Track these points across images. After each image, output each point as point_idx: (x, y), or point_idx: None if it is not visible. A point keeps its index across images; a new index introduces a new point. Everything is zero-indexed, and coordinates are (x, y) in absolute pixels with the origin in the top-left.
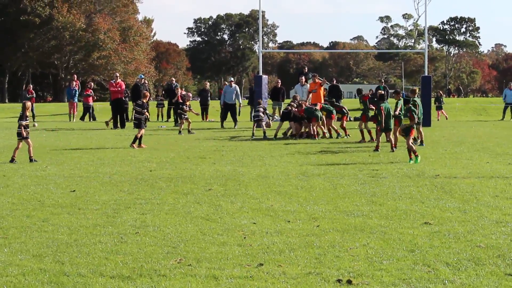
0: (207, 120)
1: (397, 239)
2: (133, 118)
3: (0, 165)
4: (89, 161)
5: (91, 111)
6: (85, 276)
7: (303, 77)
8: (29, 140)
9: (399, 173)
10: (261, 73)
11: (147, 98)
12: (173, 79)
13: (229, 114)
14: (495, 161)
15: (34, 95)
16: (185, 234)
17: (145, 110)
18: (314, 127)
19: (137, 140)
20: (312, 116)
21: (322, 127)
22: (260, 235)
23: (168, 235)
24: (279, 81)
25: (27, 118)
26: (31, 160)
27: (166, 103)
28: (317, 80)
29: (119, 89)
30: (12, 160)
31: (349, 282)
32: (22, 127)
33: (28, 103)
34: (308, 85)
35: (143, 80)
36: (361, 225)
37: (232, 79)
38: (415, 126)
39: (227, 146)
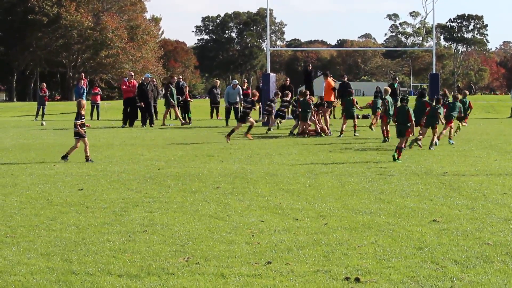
0: (218, 118)
1: (405, 237)
2: (240, 111)
3: (8, 165)
4: (97, 160)
5: (98, 109)
6: (93, 275)
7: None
8: (85, 139)
9: (407, 170)
10: (269, 71)
11: (256, 98)
12: (180, 77)
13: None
14: (504, 158)
15: (48, 93)
16: (193, 232)
17: (253, 107)
18: (320, 125)
19: (249, 129)
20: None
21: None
22: (268, 233)
23: (176, 234)
24: (288, 79)
25: (83, 117)
26: (87, 160)
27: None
28: (328, 79)
29: (132, 88)
30: (65, 157)
31: (357, 280)
32: (79, 126)
33: (83, 102)
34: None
35: (149, 79)
36: (369, 223)
37: (237, 81)
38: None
39: (235, 144)
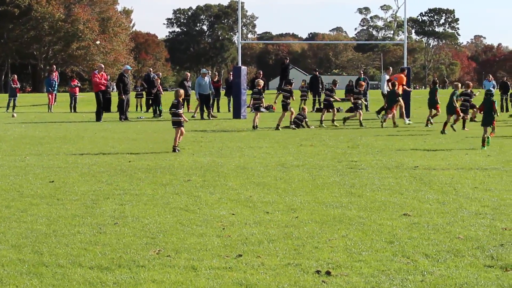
0: (188, 111)
1: (376, 231)
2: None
3: None
4: (68, 152)
5: (76, 101)
6: (63, 267)
7: (390, 68)
8: (182, 129)
9: (378, 164)
10: (240, 64)
11: (261, 87)
12: (151, 69)
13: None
14: (474, 153)
15: (19, 85)
16: (164, 225)
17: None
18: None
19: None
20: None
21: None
22: (239, 226)
23: (147, 226)
24: (261, 72)
25: (182, 106)
26: (174, 150)
27: (144, 93)
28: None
29: (103, 81)
30: (175, 150)
31: (328, 273)
32: (183, 115)
33: (181, 91)
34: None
35: (129, 71)
36: (340, 217)
37: (206, 71)
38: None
39: (206, 137)
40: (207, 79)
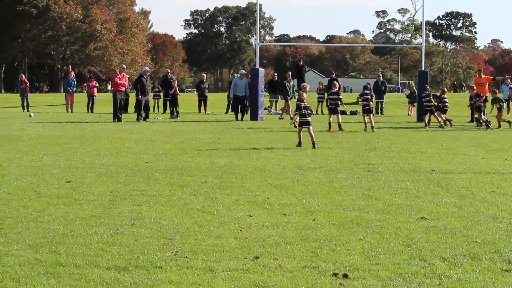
0: (206, 112)
1: (393, 234)
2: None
3: None
4: (85, 152)
5: (94, 101)
6: (81, 267)
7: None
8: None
9: (395, 167)
10: (257, 66)
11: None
12: (169, 70)
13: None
14: (491, 156)
15: (28, 84)
16: (181, 226)
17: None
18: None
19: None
20: None
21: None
22: (256, 228)
23: (164, 227)
24: (276, 74)
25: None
26: (314, 146)
27: (162, 95)
28: (482, 76)
29: (124, 82)
30: (314, 146)
31: (345, 276)
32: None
33: (304, 95)
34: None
35: (148, 72)
36: (357, 219)
37: (244, 71)
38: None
39: (223, 139)
40: (245, 80)
